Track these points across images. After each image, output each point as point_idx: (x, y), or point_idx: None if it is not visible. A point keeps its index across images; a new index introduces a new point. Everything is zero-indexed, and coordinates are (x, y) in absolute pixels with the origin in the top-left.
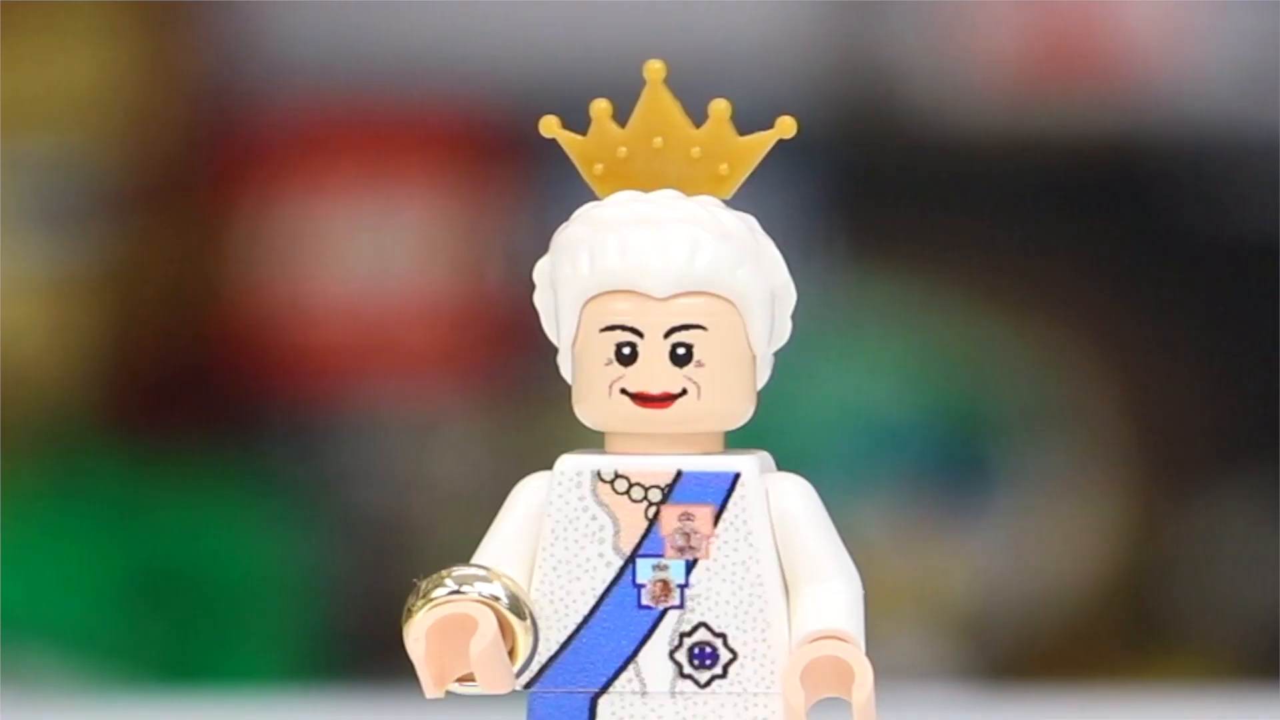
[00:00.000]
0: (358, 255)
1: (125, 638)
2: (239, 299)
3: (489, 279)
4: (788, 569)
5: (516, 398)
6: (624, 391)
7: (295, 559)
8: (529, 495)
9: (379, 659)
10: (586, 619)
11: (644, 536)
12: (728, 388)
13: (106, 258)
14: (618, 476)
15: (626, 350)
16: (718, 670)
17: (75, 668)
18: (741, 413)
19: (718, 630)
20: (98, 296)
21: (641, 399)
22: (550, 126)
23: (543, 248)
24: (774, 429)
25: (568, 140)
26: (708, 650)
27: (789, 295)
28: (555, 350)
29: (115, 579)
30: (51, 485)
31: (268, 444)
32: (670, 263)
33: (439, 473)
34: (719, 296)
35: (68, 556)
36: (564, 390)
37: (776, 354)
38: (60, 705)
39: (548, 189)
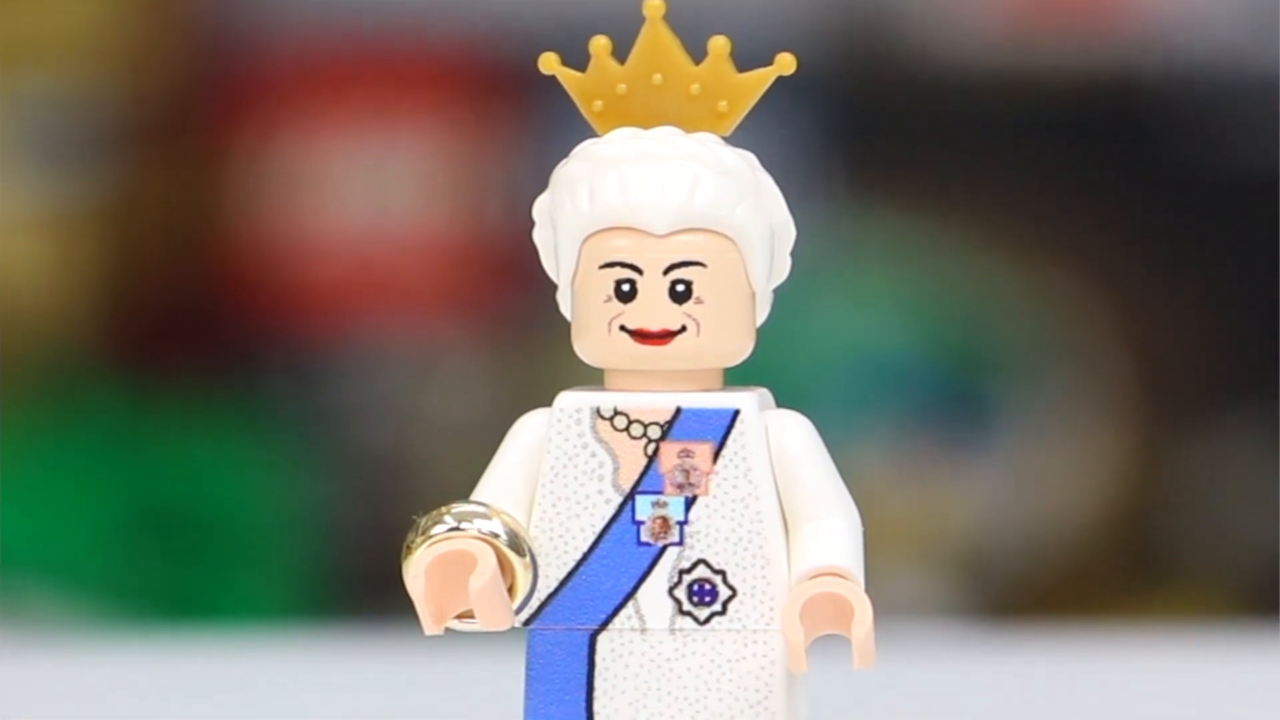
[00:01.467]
0: (357, 192)
1: (124, 573)
2: (239, 235)
3: (488, 216)
4: (787, 506)
5: (516, 335)
6: (623, 328)
7: (294, 495)
8: (528, 432)
9: (378, 595)
10: (585, 556)
11: (643, 473)
12: (727, 325)
13: (106, 195)
14: (617, 413)
15: (626, 287)
16: (717, 607)
17: (74, 603)
18: (741, 350)
19: (717, 567)
20: (97, 233)
21: (641, 336)
22: (549, 63)
23: (542, 184)
24: (773, 366)
25: (567, 77)
26: (707, 587)
27: (788, 232)
28: (555, 287)
29: (114, 515)
30: (51, 421)
31: (267, 380)
32: (670, 199)
33: (438, 409)
34: (718, 233)
35: (67, 493)
36: (563, 327)
37: (776, 291)
38: (59, 641)
39: (547, 126)
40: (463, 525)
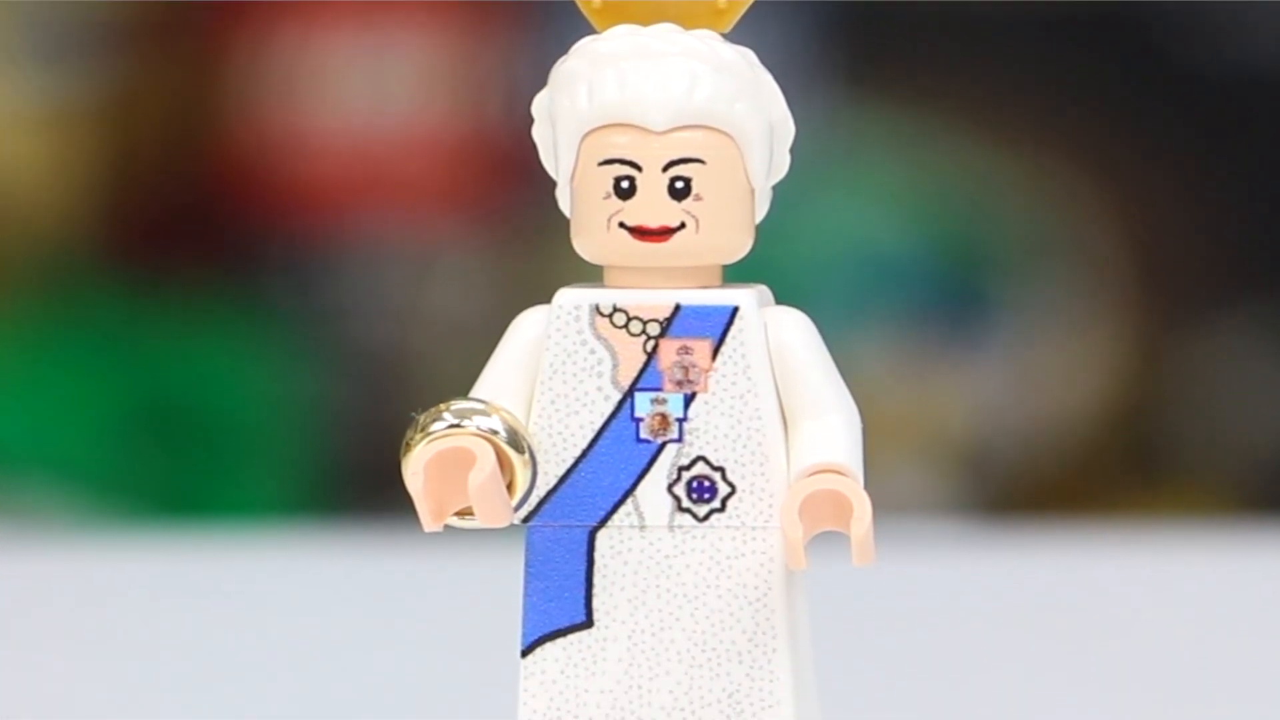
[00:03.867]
0: (356, 88)
1: (123, 470)
2: (237, 132)
3: (488, 112)
4: (786, 403)
5: (515, 231)
6: (622, 225)
7: (294, 392)
8: (527, 329)
9: (377, 492)
10: (584, 453)
11: (642, 370)
12: (726, 221)
13: (105, 92)
14: (616, 310)
15: (625, 184)
16: (716, 504)
17: (73, 500)
18: (740, 246)
19: (716, 464)
20: (96, 131)
21: (640, 232)
22: None
23: (541, 81)
24: (772, 263)
25: None
26: (706, 484)
27: (787, 129)
28: (554, 184)
29: (114, 412)
30: (50, 319)
31: (266, 277)
32: (668, 96)
33: (437, 306)
34: (717, 130)
35: (67, 389)
36: (562, 224)
37: (775, 188)
38: (58, 538)
39: (546, 22)
40: (462, 422)
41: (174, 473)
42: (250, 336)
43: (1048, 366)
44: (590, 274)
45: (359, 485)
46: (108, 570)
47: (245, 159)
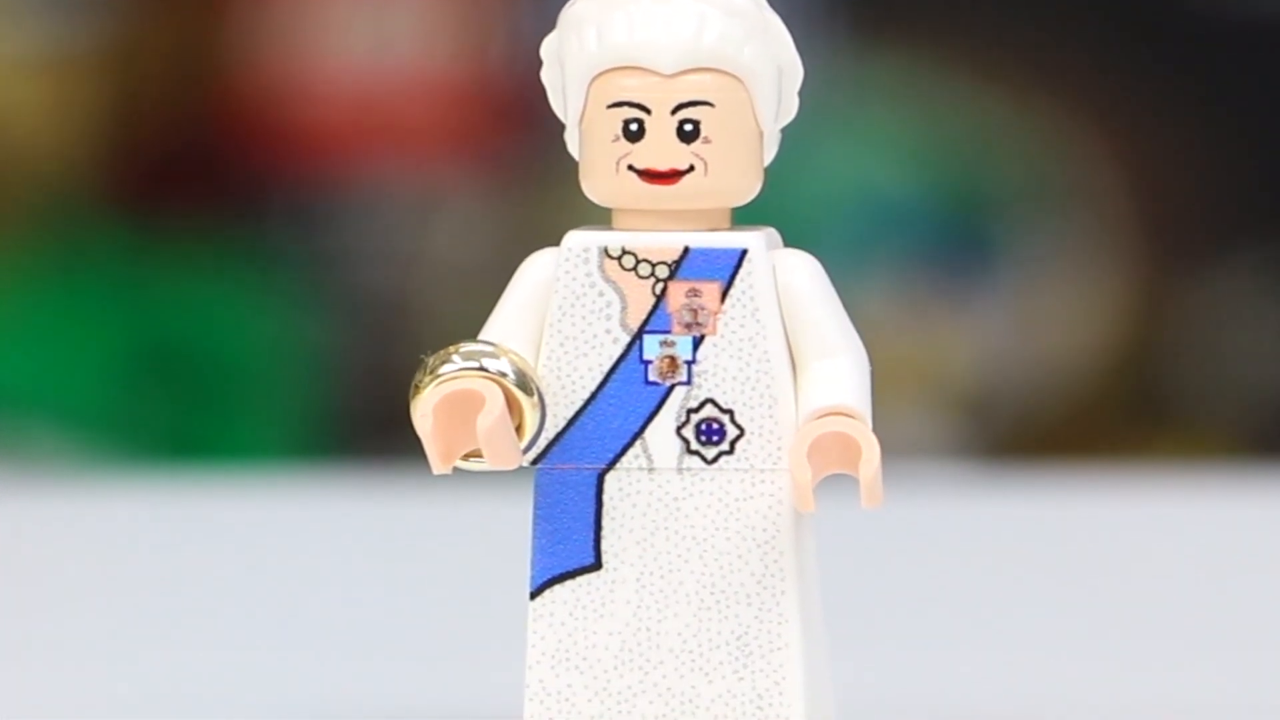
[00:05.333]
0: (359, 32)
1: (127, 414)
2: (241, 76)
3: (491, 56)
4: (795, 345)
5: (520, 175)
6: (631, 168)
7: (298, 336)
8: (536, 271)
9: (384, 435)
10: (593, 395)
11: (651, 313)
12: (735, 164)
13: (107, 37)
14: (625, 253)
15: (634, 127)
16: (725, 447)
17: (77, 444)
18: (748, 189)
19: (725, 406)
20: (99, 75)
21: (649, 175)
22: None
23: (545, 25)
24: (778, 206)
25: None
26: (715, 426)
27: (796, 71)
28: (562, 127)
29: (117, 356)
30: (54, 263)
31: (270, 221)
32: (677, 38)
33: (443, 250)
34: (726, 73)
35: (70, 334)
36: (568, 168)
37: (783, 130)
38: (62, 481)
39: None
40: (471, 364)
41: (177, 416)
42: (253, 281)
43: (1051, 310)
44: (599, 217)
45: (362, 428)
46: (111, 514)
47: (248, 104)
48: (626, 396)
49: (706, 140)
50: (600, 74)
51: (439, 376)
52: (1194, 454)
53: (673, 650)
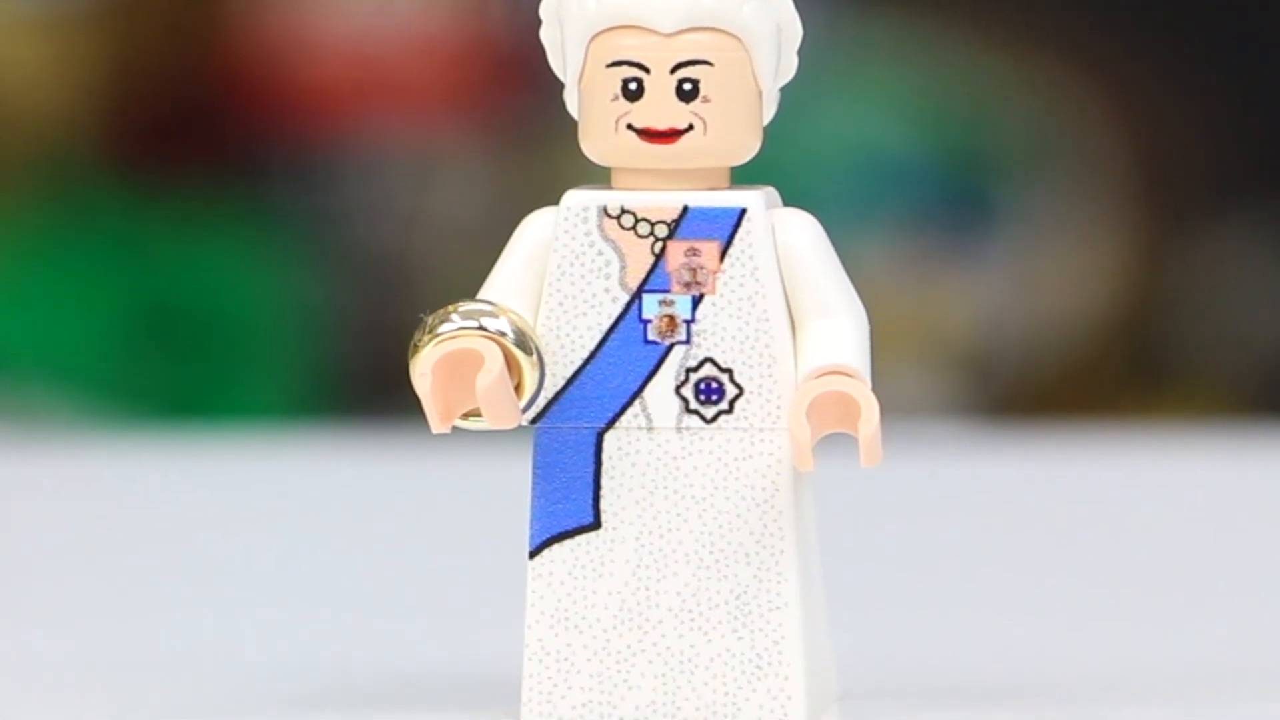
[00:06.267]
0: None
1: (127, 373)
2: (241, 35)
3: (491, 16)
4: (794, 304)
5: (518, 134)
6: (630, 127)
7: (297, 295)
8: (535, 230)
9: (383, 394)
10: (592, 354)
11: (650, 272)
12: (734, 123)
13: None
14: (624, 212)
15: (633, 86)
16: (724, 406)
17: (76, 403)
18: (747, 148)
19: (724, 366)
20: (99, 35)
21: (648, 134)
22: None
23: None
24: (778, 165)
25: None
26: (714, 386)
27: (795, 30)
28: (562, 86)
29: (116, 315)
30: (54, 222)
31: (270, 180)
32: None
33: (442, 209)
34: (725, 32)
35: (70, 292)
36: (567, 127)
37: (782, 90)
38: (61, 441)
39: None
40: (470, 323)
41: (177, 376)
42: (253, 240)
43: (1050, 269)
44: (598, 177)
45: (362, 387)
46: (111, 473)
47: (248, 63)
48: (625, 356)
49: (705, 99)
50: (599, 33)
51: (438, 336)
52: (1193, 412)
53: (671, 609)
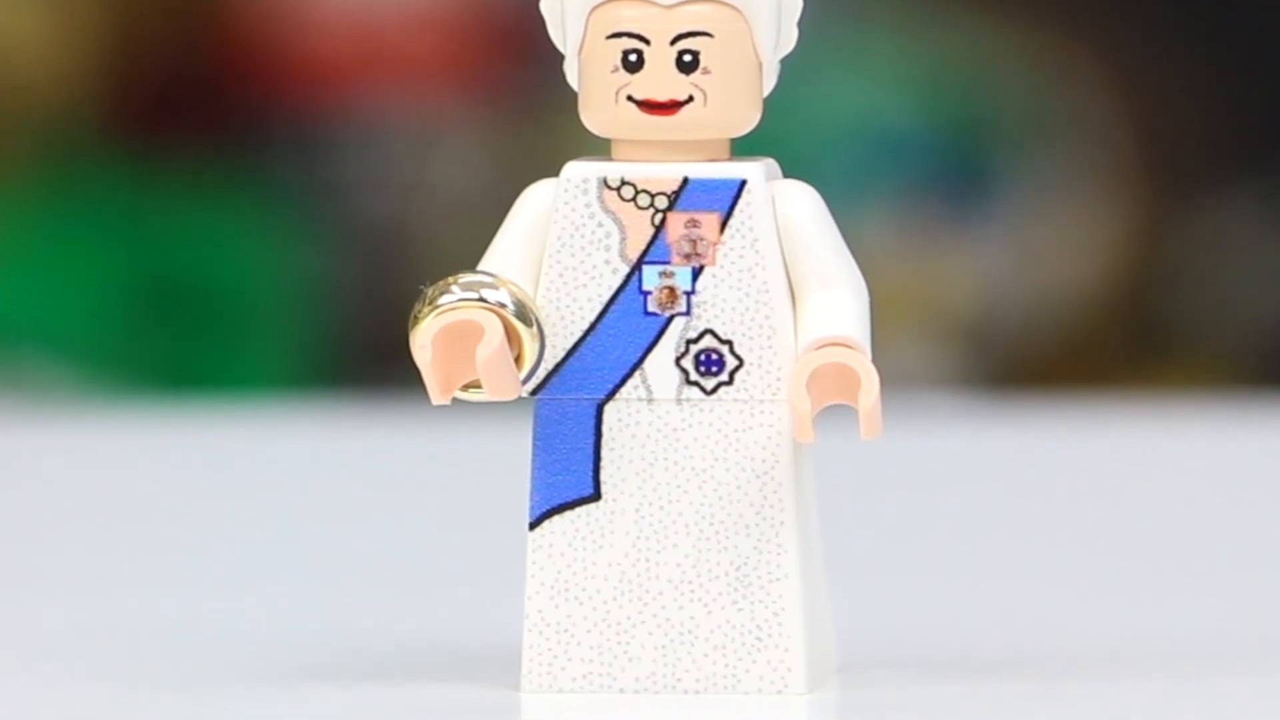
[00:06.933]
0: None
1: (126, 344)
2: (242, 7)
3: None
4: (794, 276)
5: (518, 106)
6: (630, 98)
7: (298, 266)
8: (535, 202)
9: (383, 366)
10: (592, 326)
11: (650, 243)
12: (734, 95)
13: None
14: (624, 183)
15: (633, 57)
16: (724, 377)
17: (76, 374)
18: (748, 120)
19: (724, 337)
20: (99, 4)
21: (648, 106)
22: None
23: None
24: (778, 137)
25: None
26: (714, 357)
27: (795, 2)
28: (562, 57)
29: (117, 286)
30: (54, 193)
31: (270, 152)
32: None
33: (442, 180)
34: (726, 4)
35: (70, 264)
36: (566, 99)
37: (782, 61)
38: (61, 412)
39: None
40: (470, 295)
41: (176, 347)
42: (253, 211)
43: (1050, 241)
44: (598, 148)
45: (361, 359)
46: (111, 444)
47: (248, 34)
48: (625, 327)
49: (706, 71)
50: (599, 4)
51: (438, 307)
52: (1192, 383)
53: (672, 581)
